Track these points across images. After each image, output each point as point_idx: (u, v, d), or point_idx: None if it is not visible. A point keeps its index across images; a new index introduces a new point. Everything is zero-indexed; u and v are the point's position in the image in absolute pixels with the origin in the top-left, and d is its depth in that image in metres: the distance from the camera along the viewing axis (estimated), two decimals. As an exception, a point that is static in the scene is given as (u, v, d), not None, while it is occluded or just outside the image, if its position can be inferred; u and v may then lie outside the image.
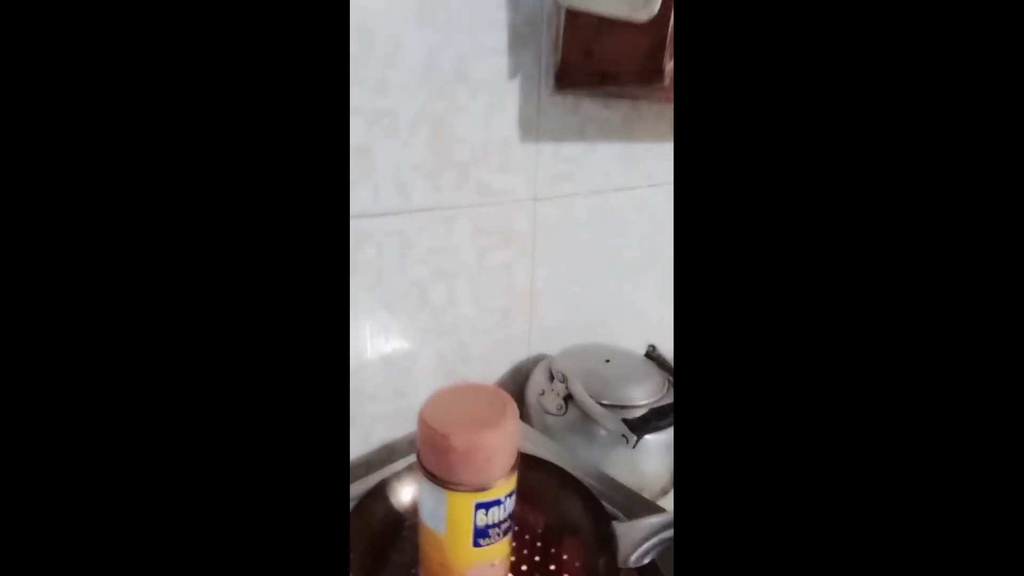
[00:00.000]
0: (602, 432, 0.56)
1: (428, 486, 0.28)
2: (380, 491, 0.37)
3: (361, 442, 0.55)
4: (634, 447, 0.53)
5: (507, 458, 0.29)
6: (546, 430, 0.59)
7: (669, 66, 0.51)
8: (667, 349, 0.75)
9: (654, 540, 0.32)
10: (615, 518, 0.40)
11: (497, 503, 0.29)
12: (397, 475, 0.38)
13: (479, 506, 0.28)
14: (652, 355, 0.67)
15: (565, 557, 0.36)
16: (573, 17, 0.56)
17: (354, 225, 0.47)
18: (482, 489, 0.28)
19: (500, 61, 0.54)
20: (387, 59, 0.45)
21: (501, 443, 0.28)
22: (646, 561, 0.32)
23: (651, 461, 0.56)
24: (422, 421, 0.28)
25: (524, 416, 0.63)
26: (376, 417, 0.55)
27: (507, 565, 0.32)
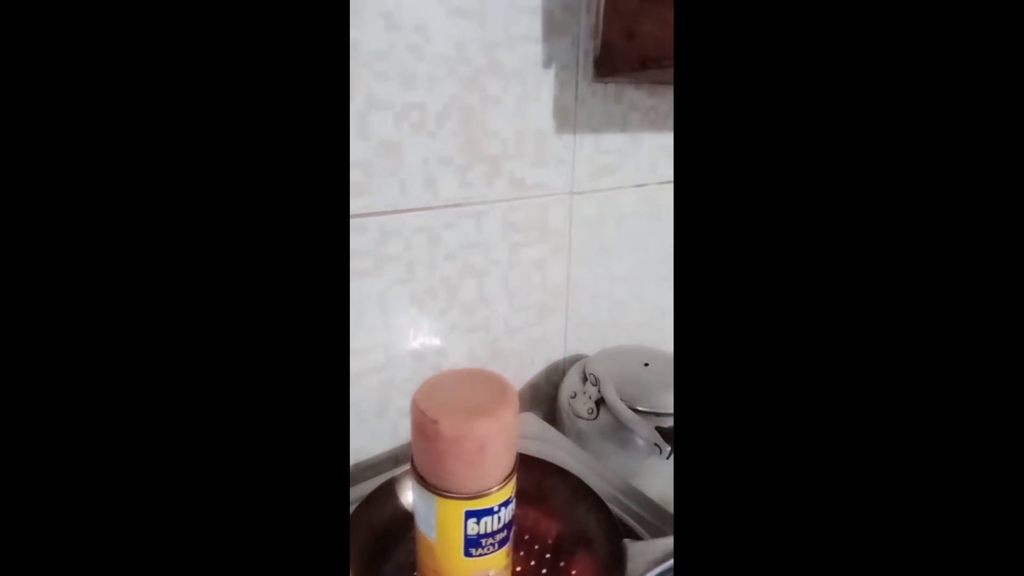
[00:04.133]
0: (637, 440, 0.53)
1: (419, 491, 0.28)
2: (389, 489, 0.37)
3: (389, 436, 0.55)
4: (668, 458, 0.49)
5: (502, 455, 0.27)
6: (578, 436, 0.56)
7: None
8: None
9: (666, 564, 0.29)
10: (635, 534, 0.37)
11: (490, 512, 0.27)
12: (406, 473, 0.38)
13: (470, 514, 0.27)
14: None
15: (574, 572, 0.33)
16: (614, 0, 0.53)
17: (381, 221, 0.48)
18: (474, 496, 0.27)
19: (534, 50, 0.52)
20: (414, 51, 0.45)
21: (495, 434, 0.26)
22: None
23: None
24: (414, 405, 0.27)
25: (555, 419, 0.61)
26: (405, 412, 0.55)
27: (507, 577, 0.31)
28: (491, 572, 0.29)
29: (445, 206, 0.51)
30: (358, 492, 0.44)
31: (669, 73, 0.54)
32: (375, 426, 0.54)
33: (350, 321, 0.48)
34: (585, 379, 0.59)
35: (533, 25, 0.51)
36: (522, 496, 0.29)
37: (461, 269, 0.54)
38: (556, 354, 0.68)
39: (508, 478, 0.28)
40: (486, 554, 0.28)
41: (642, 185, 0.68)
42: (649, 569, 0.29)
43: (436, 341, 0.55)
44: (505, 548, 0.29)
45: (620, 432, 0.54)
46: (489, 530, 0.27)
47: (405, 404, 0.55)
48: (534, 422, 0.57)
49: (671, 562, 0.29)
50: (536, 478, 0.32)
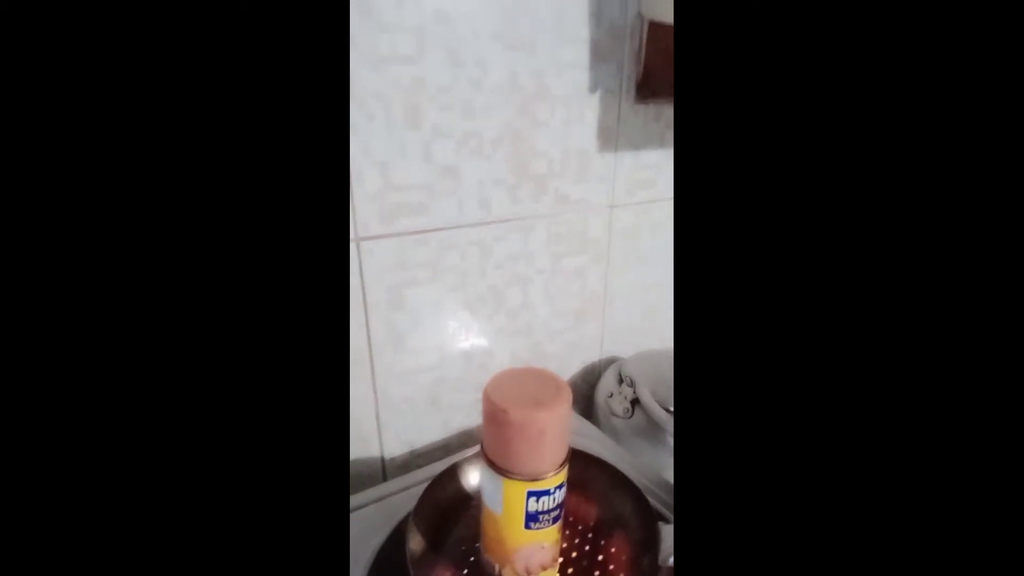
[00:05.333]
0: (669, 439, 0.58)
1: (488, 473, 0.33)
2: (453, 472, 0.42)
3: (441, 427, 0.61)
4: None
5: (558, 442, 0.32)
6: (613, 432, 0.61)
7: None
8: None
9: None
10: (665, 519, 0.42)
11: (547, 493, 0.32)
12: (468, 459, 0.43)
13: (531, 494, 0.32)
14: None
15: (613, 550, 0.38)
16: (656, 26, 0.57)
17: (441, 236, 0.53)
18: (535, 479, 0.32)
19: (581, 75, 0.57)
20: (473, 84, 0.50)
21: (552, 422, 0.31)
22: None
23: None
24: (486, 396, 0.32)
25: (592, 417, 0.66)
26: (456, 406, 0.61)
27: (557, 549, 0.36)
28: (545, 544, 0.34)
29: (496, 221, 0.56)
30: (416, 477, 0.50)
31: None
32: (428, 418, 0.60)
33: (407, 324, 0.54)
34: (621, 380, 0.64)
35: (580, 53, 0.56)
36: (567, 482, 0.34)
37: (508, 278, 0.60)
38: (592, 356, 0.72)
39: (563, 465, 0.33)
40: (542, 528, 0.33)
41: (677, 198, 0.72)
42: (681, 549, 0.34)
43: (484, 343, 0.61)
44: (557, 525, 0.34)
45: (653, 430, 0.58)
46: (546, 508, 0.33)
47: (455, 399, 0.61)
48: (573, 419, 0.62)
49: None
50: (578, 467, 0.37)
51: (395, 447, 0.59)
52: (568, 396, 0.33)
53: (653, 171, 0.67)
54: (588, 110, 0.59)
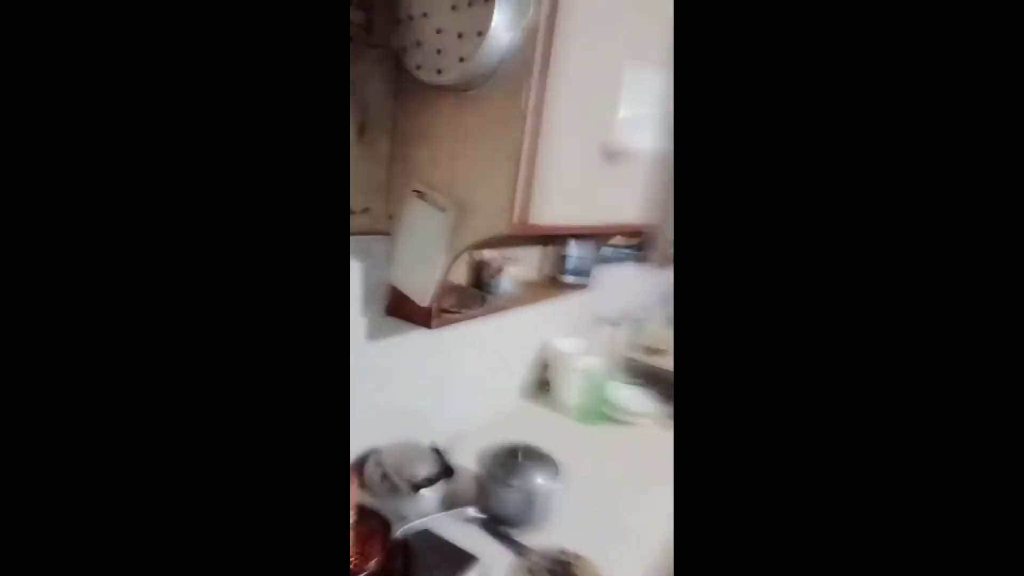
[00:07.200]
0: (403, 491, 1.15)
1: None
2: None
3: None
4: (413, 496, 1.13)
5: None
6: (376, 493, 1.16)
7: (434, 323, 1.15)
8: (442, 443, 1.37)
9: (403, 527, 0.91)
10: (403, 525, 0.99)
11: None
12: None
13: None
14: (434, 448, 1.29)
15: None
16: (393, 287, 1.18)
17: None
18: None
19: (359, 318, 1.13)
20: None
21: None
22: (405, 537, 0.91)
23: (423, 504, 1.17)
24: None
25: (367, 485, 1.19)
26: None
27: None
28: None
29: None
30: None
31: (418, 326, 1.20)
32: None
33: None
34: (377, 464, 1.19)
35: (358, 305, 1.12)
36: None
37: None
38: (363, 448, 1.26)
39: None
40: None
41: (409, 356, 1.33)
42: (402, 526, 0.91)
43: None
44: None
45: (395, 488, 1.15)
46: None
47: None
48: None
49: (407, 525, 0.91)
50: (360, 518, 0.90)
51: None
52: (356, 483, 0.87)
53: (397, 341, 1.27)
54: (358, 327, 1.15)
